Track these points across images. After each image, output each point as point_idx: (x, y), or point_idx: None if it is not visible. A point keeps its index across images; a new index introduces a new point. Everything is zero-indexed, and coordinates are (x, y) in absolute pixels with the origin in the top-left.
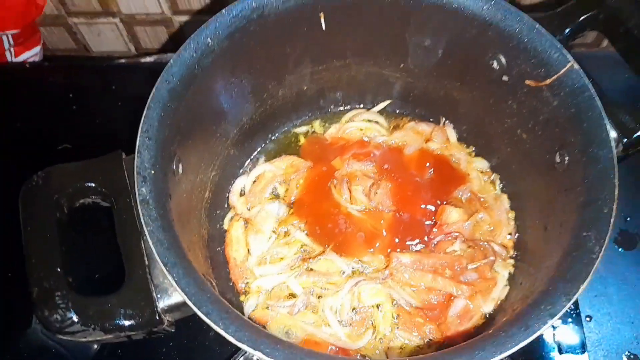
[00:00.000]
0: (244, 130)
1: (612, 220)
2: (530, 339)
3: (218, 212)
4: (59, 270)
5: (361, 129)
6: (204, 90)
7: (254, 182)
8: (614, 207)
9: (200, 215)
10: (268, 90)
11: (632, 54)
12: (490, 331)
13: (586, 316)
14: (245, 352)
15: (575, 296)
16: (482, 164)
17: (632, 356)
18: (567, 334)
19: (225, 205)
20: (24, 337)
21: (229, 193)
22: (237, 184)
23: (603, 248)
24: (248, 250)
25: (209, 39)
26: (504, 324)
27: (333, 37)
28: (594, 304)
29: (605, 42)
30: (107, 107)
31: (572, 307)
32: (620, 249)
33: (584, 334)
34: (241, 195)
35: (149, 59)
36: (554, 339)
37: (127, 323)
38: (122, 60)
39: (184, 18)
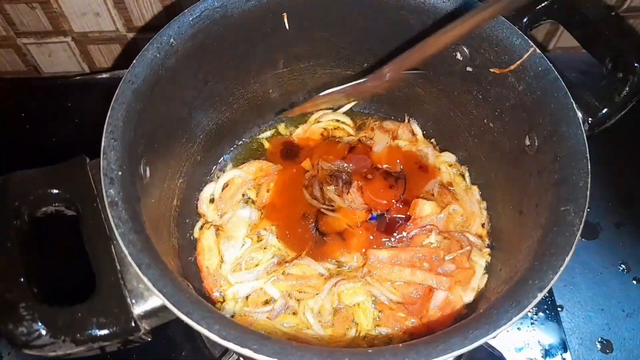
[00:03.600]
0: (210, 136)
1: (588, 193)
2: (522, 314)
3: (187, 221)
4: (22, 280)
5: (325, 128)
6: (168, 92)
7: (224, 188)
8: (589, 180)
9: (170, 224)
10: (233, 94)
11: (589, 40)
12: (482, 310)
13: (558, 306)
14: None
15: (561, 269)
16: (449, 157)
17: (604, 342)
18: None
19: (195, 214)
20: None
21: (197, 201)
22: (206, 191)
23: (582, 220)
24: (221, 258)
25: (172, 39)
26: (495, 302)
27: (297, 38)
28: (564, 293)
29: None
30: (63, 125)
31: (549, 303)
32: (582, 239)
33: (564, 333)
34: (211, 202)
35: (104, 75)
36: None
37: (100, 332)
38: (77, 78)
39: (139, 35)
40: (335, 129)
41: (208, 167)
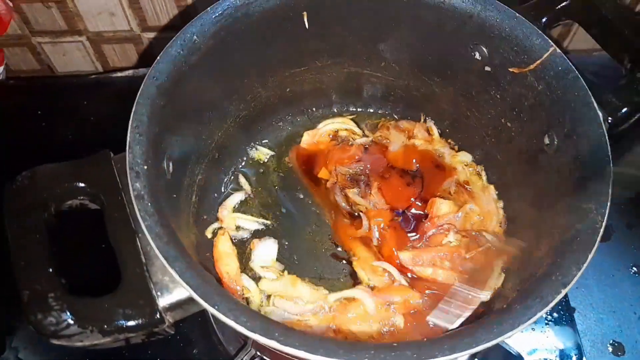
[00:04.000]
0: (227, 134)
1: (610, 190)
2: (546, 310)
3: (205, 217)
4: (50, 271)
5: (334, 132)
6: (190, 89)
7: None
8: (611, 177)
9: (189, 220)
10: (251, 92)
11: (608, 39)
12: (505, 306)
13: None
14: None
15: (585, 265)
16: (465, 156)
17: (616, 344)
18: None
19: (211, 211)
20: None
21: (214, 202)
22: (233, 200)
23: (605, 217)
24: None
25: (195, 37)
26: (517, 297)
27: (315, 37)
28: (575, 296)
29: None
30: (78, 123)
31: (563, 304)
32: None
33: (579, 336)
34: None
35: (119, 74)
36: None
37: (126, 324)
38: (92, 77)
39: (153, 35)
40: (343, 129)
41: (225, 165)
